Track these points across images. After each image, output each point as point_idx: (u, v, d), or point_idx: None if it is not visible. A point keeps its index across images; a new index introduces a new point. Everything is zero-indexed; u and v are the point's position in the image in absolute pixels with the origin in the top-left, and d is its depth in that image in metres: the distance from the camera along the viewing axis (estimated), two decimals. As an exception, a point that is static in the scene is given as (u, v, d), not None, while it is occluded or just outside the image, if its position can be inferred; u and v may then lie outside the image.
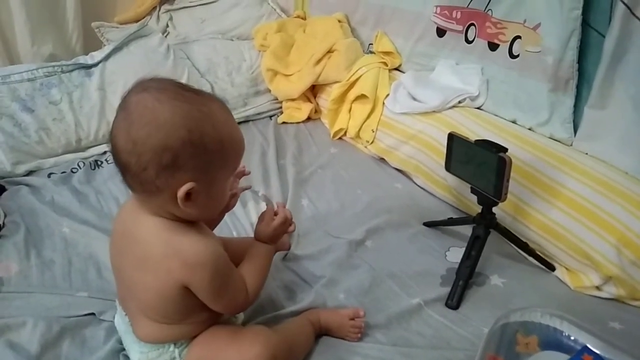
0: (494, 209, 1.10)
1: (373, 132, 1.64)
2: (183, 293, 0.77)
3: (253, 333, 0.85)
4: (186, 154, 0.71)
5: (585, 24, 1.14)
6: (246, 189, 1.04)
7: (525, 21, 1.29)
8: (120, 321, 0.89)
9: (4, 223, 1.23)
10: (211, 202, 0.78)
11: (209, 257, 0.76)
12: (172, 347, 0.83)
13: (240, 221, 1.29)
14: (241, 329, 0.89)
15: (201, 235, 0.78)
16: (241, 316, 0.96)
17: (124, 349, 0.90)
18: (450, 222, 1.28)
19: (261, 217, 0.93)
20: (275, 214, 0.92)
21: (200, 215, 0.79)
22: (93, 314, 0.99)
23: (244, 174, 1.04)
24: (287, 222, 0.92)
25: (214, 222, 0.99)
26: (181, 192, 0.72)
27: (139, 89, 0.73)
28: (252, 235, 0.99)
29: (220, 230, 1.03)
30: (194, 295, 0.78)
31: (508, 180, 1.02)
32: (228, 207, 1.01)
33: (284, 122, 1.90)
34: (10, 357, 0.86)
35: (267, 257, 0.91)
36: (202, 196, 0.74)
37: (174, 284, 0.76)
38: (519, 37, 1.33)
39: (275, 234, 0.91)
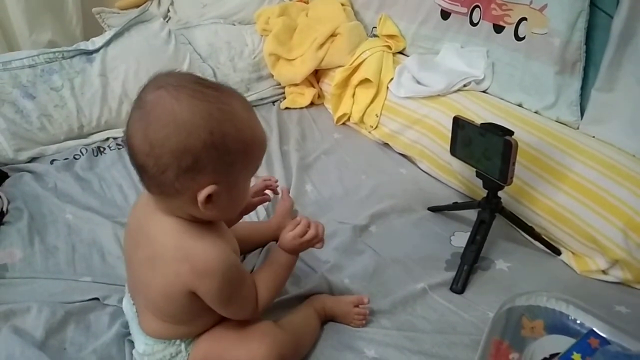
0: (500, 193, 1.10)
1: (377, 116, 1.62)
2: (190, 297, 0.75)
3: (261, 332, 0.83)
4: (207, 156, 0.68)
5: (593, 4, 1.12)
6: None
7: (531, 2, 1.27)
8: (129, 308, 0.88)
9: (7, 209, 1.23)
10: (232, 203, 0.76)
11: (220, 266, 0.73)
12: (177, 341, 0.82)
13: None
14: (249, 325, 0.85)
15: (215, 240, 0.75)
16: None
17: (128, 334, 0.90)
18: (455, 206, 1.27)
19: (290, 226, 0.85)
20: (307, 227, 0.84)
21: (220, 216, 0.77)
22: (97, 298, 0.99)
23: (272, 187, 1.03)
24: (316, 239, 0.84)
25: (232, 221, 0.97)
26: (202, 195, 0.69)
27: (155, 86, 0.69)
28: (261, 219, 0.98)
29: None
30: (201, 299, 0.76)
31: (514, 164, 1.01)
32: (249, 208, 1.00)
33: (287, 108, 1.88)
34: (16, 343, 0.87)
35: (287, 267, 0.86)
36: (223, 198, 0.72)
37: (181, 288, 0.74)
38: (524, 18, 1.30)
39: (301, 248, 0.85)
